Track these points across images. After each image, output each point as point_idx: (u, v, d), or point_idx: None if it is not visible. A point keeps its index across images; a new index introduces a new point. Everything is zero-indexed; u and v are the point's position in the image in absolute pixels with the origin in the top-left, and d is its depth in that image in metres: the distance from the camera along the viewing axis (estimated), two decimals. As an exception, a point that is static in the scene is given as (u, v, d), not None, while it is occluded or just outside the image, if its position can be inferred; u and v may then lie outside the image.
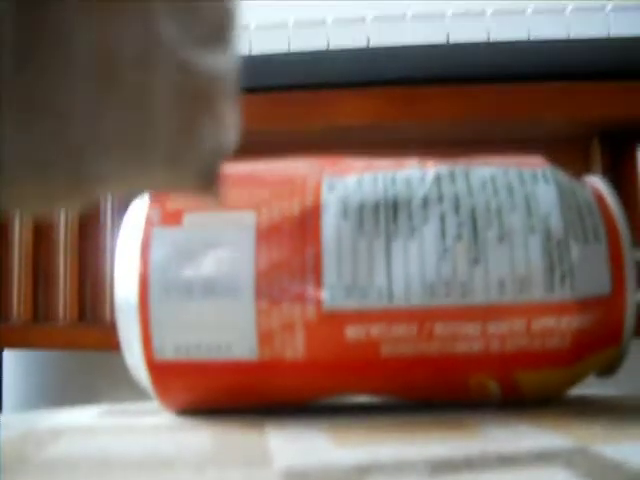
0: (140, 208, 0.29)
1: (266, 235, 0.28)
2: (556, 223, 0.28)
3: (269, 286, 0.27)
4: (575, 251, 0.28)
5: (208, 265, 0.28)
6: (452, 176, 0.29)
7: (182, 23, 0.16)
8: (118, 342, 0.30)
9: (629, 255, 0.29)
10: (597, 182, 0.32)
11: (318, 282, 0.27)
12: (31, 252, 0.83)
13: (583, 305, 0.27)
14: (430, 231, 0.28)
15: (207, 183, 0.18)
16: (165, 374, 0.28)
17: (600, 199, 0.30)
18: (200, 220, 0.28)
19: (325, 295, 0.27)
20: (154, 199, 0.29)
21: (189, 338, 0.27)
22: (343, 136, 0.80)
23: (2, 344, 0.83)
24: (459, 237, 0.28)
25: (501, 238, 0.28)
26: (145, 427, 0.28)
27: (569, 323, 0.27)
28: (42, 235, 0.84)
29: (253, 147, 0.81)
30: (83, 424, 0.29)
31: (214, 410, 0.30)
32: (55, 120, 0.14)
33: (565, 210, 0.28)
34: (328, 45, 0.84)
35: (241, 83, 0.80)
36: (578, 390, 0.32)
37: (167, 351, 0.28)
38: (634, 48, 0.79)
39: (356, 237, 0.27)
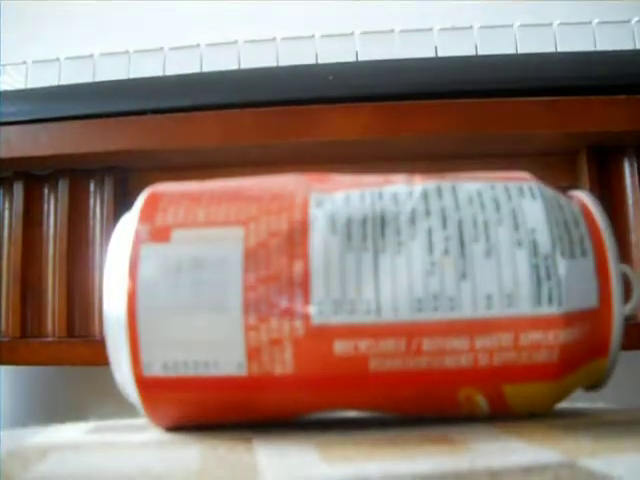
0: (129, 223, 0.29)
1: (254, 251, 0.28)
2: (543, 237, 0.28)
3: (257, 302, 0.27)
4: (562, 265, 0.28)
5: (196, 281, 0.28)
6: (439, 191, 0.29)
7: None
8: (107, 358, 0.30)
9: (616, 269, 0.29)
10: (584, 196, 0.32)
11: (306, 297, 0.27)
12: (19, 268, 0.83)
13: (570, 319, 0.28)
14: (417, 246, 0.28)
15: None
16: (154, 391, 0.28)
17: (587, 213, 0.30)
18: (188, 236, 0.28)
19: (313, 310, 0.27)
20: (142, 214, 0.29)
21: (177, 355, 0.27)
22: (330, 151, 0.80)
23: (-10, 360, 0.82)
24: (446, 251, 0.28)
25: (488, 252, 0.28)
26: (134, 444, 0.28)
27: (556, 337, 0.27)
28: (30, 250, 0.84)
29: (240, 162, 0.81)
30: (71, 441, 0.29)
31: (203, 426, 0.30)
32: None
33: (552, 224, 0.28)
34: (316, 60, 0.84)
35: (228, 98, 0.80)
36: (566, 403, 0.32)
37: (155, 368, 0.28)
38: (621, 62, 0.80)
39: (344, 252, 0.28)
